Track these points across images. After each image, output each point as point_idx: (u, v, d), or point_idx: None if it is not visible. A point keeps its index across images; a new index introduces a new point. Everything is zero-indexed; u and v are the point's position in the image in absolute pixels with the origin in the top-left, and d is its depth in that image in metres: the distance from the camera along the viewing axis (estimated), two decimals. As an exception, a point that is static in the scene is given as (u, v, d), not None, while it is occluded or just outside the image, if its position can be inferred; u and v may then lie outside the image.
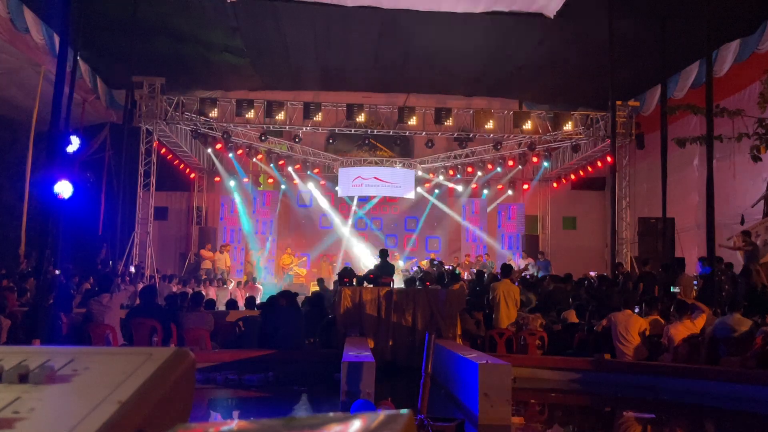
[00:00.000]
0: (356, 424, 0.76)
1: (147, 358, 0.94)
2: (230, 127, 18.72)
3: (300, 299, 11.70)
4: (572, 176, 21.75)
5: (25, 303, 10.86)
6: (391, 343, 9.51)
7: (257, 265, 20.98)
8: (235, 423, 0.82)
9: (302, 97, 19.23)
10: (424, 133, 19.48)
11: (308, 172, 21.58)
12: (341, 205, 22.31)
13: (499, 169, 21.29)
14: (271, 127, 18.75)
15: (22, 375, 0.91)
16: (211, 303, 11.61)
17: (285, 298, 10.25)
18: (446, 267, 16.12)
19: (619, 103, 16.29)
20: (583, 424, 7.86)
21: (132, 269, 16.43)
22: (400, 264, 19.00)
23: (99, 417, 0.79)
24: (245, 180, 22.01)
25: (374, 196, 21.77)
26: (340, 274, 11.31)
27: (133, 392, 0.85)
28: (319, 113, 18.22)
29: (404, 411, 0.77)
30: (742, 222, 13.71)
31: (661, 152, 13.92)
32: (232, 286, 17.42)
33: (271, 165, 21.03)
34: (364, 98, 19.49)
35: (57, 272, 11.16)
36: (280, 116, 18.26)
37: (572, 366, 9.09)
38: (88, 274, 14.68)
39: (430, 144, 20.07)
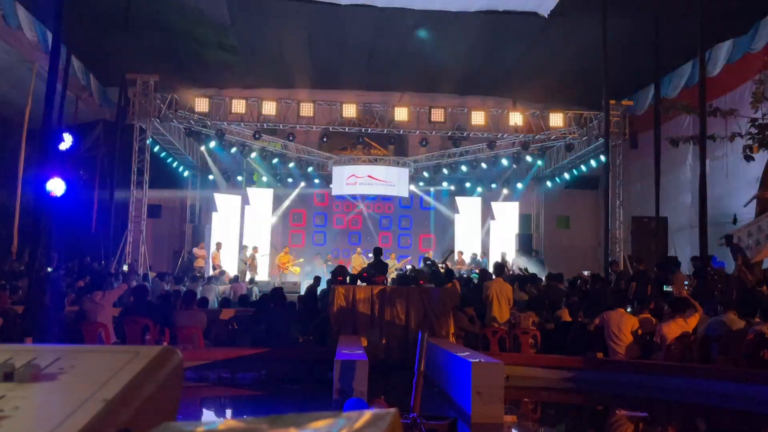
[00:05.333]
0: (342, 422, 0.76)
1: (134, 357, 0.94)
2: (224, 125, 18.67)
3: (293, 298, 11.68)
4: (566, 175, 21.77)
5: (18, 301, 10.81)
6: (384, 342, 9.51)
7: (252, 264, 20.88)
8: (221, 421, 0.81)
9: (296, 95, 19.16)
10: (418, 131, 19.47)
11: (301, 170, 21.54)
12: (335, 204, 22.32)
13: (493, 168, 21.32)
14: (264, 125, 18.70)
15: (8, 373, 0.90)
16: (204, 301, 11.59)
17: (278, 296, 10.23)
18: (440, 265, 16.09)
19: (612, 102, 16.29)
20: (575, 422, 7.89)
21: (125, 267, 16.36)
22: (394, 262, 18.97)
23: (84, 415, 0.79)
24: (239, 178, 21.95)
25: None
26: (333, 273, 11.28)
27: (119, 390, 0.84)
28: (313, 111, 18.18)
29: (391, 410, 0.77)
30: (735, 222, 13.76)
31: (654, 152, 13.96)
32: (224, 283, 17.33)
33: (265, 163, 20.99)
34: (358, 96, 19.45)
35: (49, 270, 11.13)
36: (274, 114, 18.20)
37: (565, 364, 9.11)
38: (82, 272, 14.62)
39: (424, 143, 20.07)
